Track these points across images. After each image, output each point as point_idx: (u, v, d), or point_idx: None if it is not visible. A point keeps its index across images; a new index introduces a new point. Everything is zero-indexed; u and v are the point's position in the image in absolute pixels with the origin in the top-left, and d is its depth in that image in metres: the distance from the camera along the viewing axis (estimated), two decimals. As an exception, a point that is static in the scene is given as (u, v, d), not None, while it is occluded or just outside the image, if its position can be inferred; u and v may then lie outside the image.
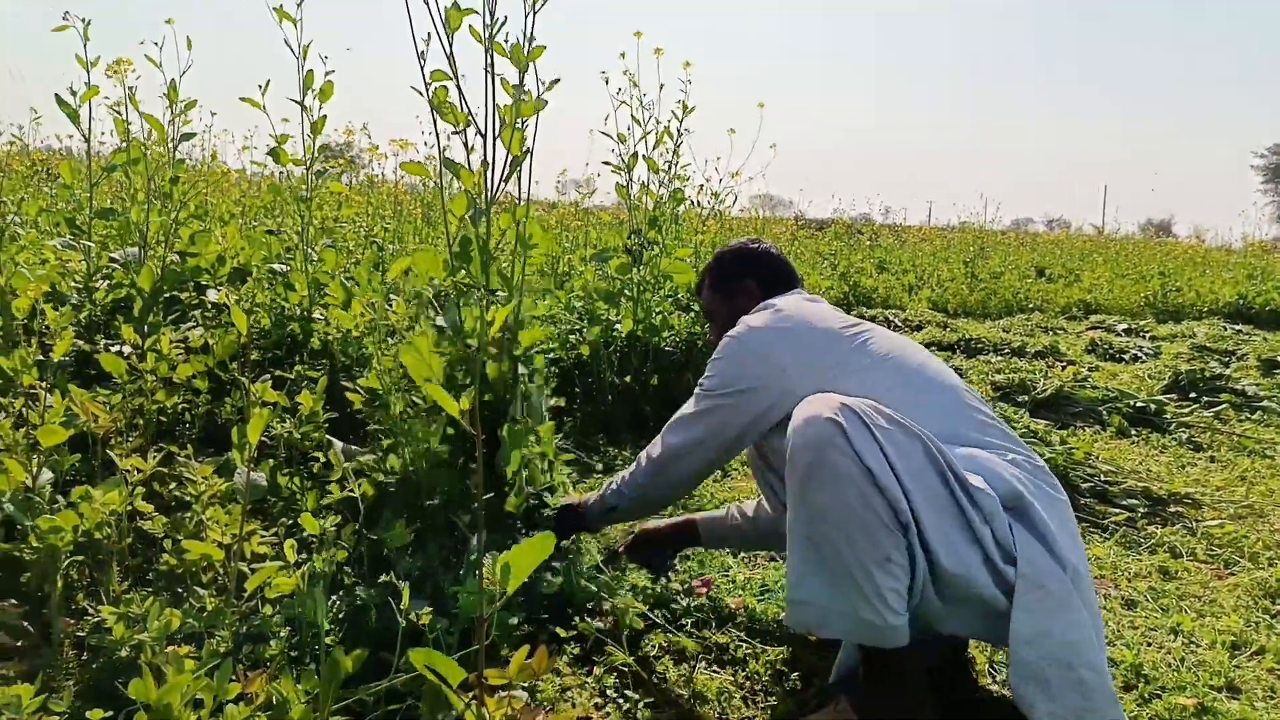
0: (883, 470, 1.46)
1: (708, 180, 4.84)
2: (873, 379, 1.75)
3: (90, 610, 1.83)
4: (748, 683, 1.83)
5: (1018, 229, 26.28)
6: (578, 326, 3.97)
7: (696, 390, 1.95)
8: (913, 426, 1.53)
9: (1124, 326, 8.02)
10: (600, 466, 3.24)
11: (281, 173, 4.61)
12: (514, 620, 1.72)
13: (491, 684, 0.98)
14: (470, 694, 0.99)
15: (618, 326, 3.81)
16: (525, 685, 1.02)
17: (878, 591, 1.46)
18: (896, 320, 7.61)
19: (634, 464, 2.04)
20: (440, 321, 2.02)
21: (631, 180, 3.69)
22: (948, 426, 1.66)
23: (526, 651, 0.98)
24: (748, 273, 2.17)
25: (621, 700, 1.71)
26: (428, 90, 1.77)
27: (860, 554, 1.46)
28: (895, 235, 15.47)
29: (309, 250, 2.73)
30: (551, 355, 3.81)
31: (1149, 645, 2.08)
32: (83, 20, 2.25)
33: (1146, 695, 1.85)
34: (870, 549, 1.45)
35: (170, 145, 2.54)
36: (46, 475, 1.81)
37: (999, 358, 5.83)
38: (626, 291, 3.85)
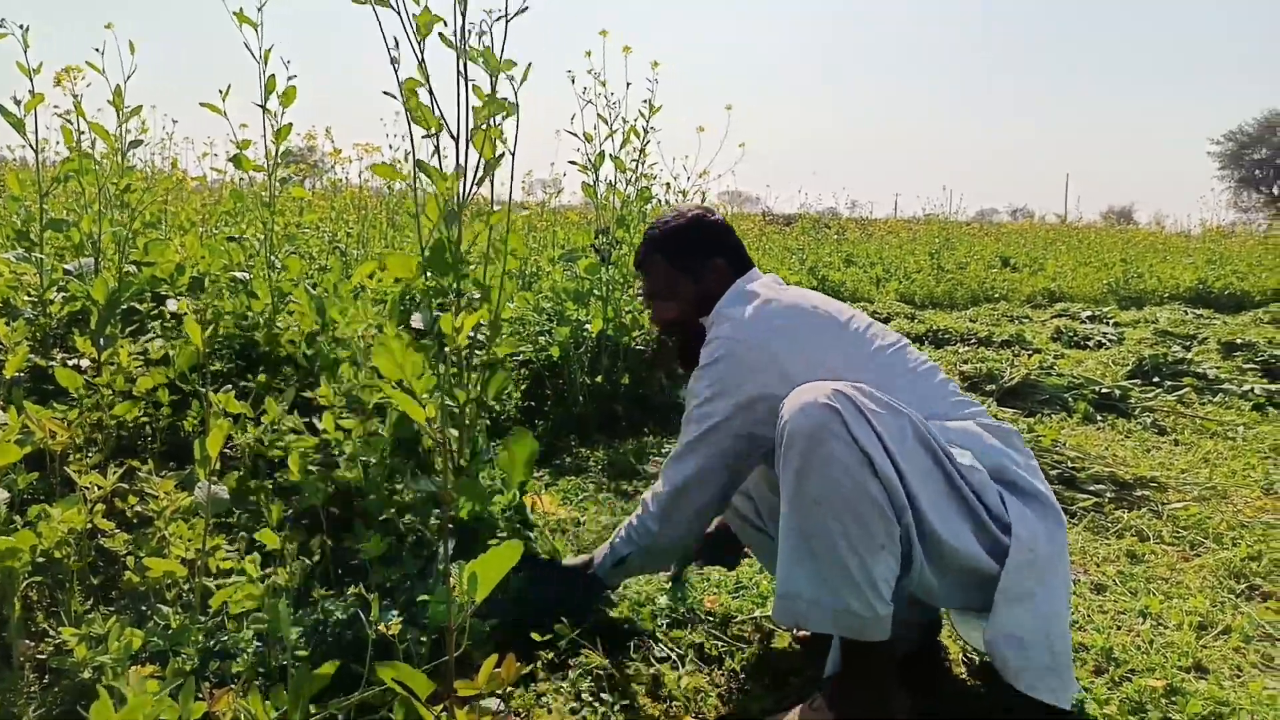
0: (880, 456, 1.47)
1: (675, 178, 4.84)
2: (879, 370, 1.70)
3: (51, 631, 1.79)
4: (724, 681, 1.83)
5: (982, 219, 26.58)
6: (547, 327, 3.95)
7: (690, 410, 1.78)
8: (900, 406, 1.55)
9: (1088, 313, 8.14)
10: (571, 466, 3.23)
11: (243, 179, 4.55)
12: (486, 628, 1.70)
13: (461, 695, 0.96)
14: (440, 706, 0.98)
15: (587, 327, 3.79)
16: (498, 694, 1.01)
17: (870, 581, 1.47)
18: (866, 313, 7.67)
19: (639, 508, 1.87)
20: (415, 322, 2.00)
21: (599, 179, 3.68)
22: (940, 407, 1.70)
23: (495, 660, 0.97)
24: (716, 251, 1.93)
25: (597, 704, 1.69)
26: (401, 94, 1.75)
27: (855, 542, 1.46)
28: (862, 229, 15.58)
29: (272, 257, 2.69)
30: (521, 357, 3.79)
31: (1118, 628, 2.10)
32: (21, 27, 2.19)
33: (1117, 678, 1.87)
34: (865, 537, 1.46)
35: (120, 153, 2.48)
36: (2, 495, 1.77)
37: (966, 348, 5.89)
38: (596, 291, 3.84)
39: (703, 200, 5.75)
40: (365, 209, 5.18)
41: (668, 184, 4.63)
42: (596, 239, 3.89)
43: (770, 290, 1.84)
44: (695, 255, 1.92)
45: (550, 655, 1.83)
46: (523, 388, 3.77)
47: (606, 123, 3.54)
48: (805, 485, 1.48)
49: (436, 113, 1.99)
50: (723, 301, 1.86)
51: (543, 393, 3.82)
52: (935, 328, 6.61)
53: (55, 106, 2.36)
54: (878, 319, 7.36)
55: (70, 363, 2.47)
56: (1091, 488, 3.01)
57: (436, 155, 2.06)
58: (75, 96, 2.30)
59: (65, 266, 2.71)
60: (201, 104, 2.25)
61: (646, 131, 3.67)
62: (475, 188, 2.13)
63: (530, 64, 1.78)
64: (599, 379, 3.77)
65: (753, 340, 1.72)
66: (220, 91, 2.25)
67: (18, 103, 2.22)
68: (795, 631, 1.98)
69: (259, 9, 2.26)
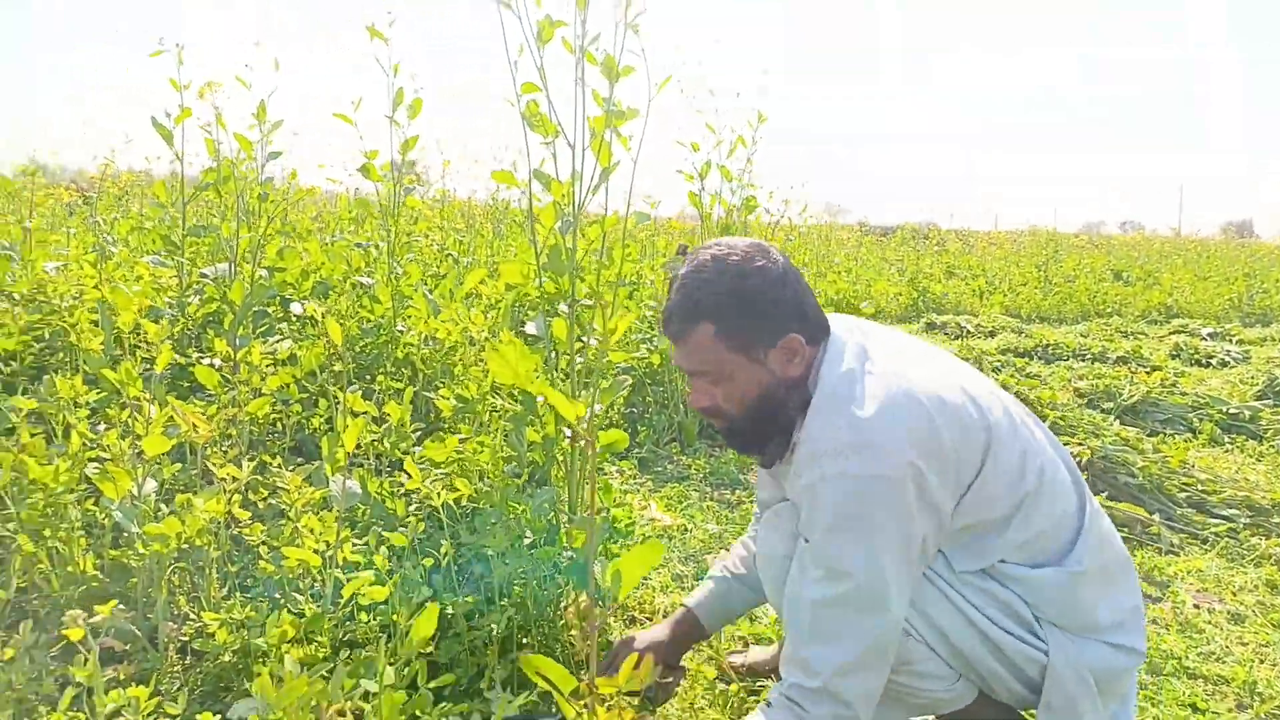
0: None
1: (777, 189, 4.82)
2: (1060, 508, 1.44)
3: (192, 615, 1.88)
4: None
5: (1090, 231, 25.55)
6: (649, 335, 3.97)
7: (818, 590, 1.30)
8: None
9: (1208, 330, 7.73)
10: (673, 474, 3.23)
11: (360, 189, 4.72)
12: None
13: (602, 692, 0.97)
14: (582, 702, 0.99)
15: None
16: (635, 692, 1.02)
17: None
18: (969, 326, 7.45)
19: None
20: (529, 328, 2.03)
21: (704, 189, 3.69)
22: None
23: (636, 659, 0.98)
24: (789, 320, 1.40)
25: (709, 711, 1.69)
26: (519, 103, 1.79)
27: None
28: (963, 240, 15.18)
29: (394, 264, 2.78)
30: (624, 365, 3.82)
31: (1261, 662, 1.98)
32: (177, 46, 2.34)
33: (1264, 715, 1.76)
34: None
35: (258, 164, 2.61)
36: (151, 484, 1.87)
37: (1080, 364, 5.67)
38: (698, 300, 3.84)
39: (804, 210, 5.68)
40: (472, 219, 5.31)
41: (771, 193, 4.61)
42: (680, 251, 3.88)
43: (889, 359, 1.41)
44: (763, 330, 1.39)
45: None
46: (624, 395, 3.80)
47: (714, 132, 3.55)
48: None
49: (553, 119, 2.02)
50: (818, 402, 1.37)
51: (644, 400, 3.84)
52: (1044, 343, 6.38)
53: (197, 118, 2.51)
54: (982, 333, 7.18)
55: (206, 361, 2.60)
56: (1225, 513, 2.85)
57: (554, 162, 2.10)
58: (217, 109, 2.43)
59: (202, 271, 2.86)
60: (335, 114, 2.34)
61: (754, 141, 3.67)
62: (591, 194, 2.16)
63: (670, 77, 1.79)
64: (701, 388, 3.77)
65: (897, 470, 1.28)
66: (352, 103, 2.35)
67: (168, 116, 2.36)
68: None
69: (389, 25, 2.35)
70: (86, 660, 1.18)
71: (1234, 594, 2.34)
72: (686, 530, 2.64)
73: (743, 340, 1.38)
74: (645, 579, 2.27)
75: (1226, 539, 2.70)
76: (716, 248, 1.42)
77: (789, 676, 1.33)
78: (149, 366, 2.22)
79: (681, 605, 1.71)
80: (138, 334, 2.50)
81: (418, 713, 1.36)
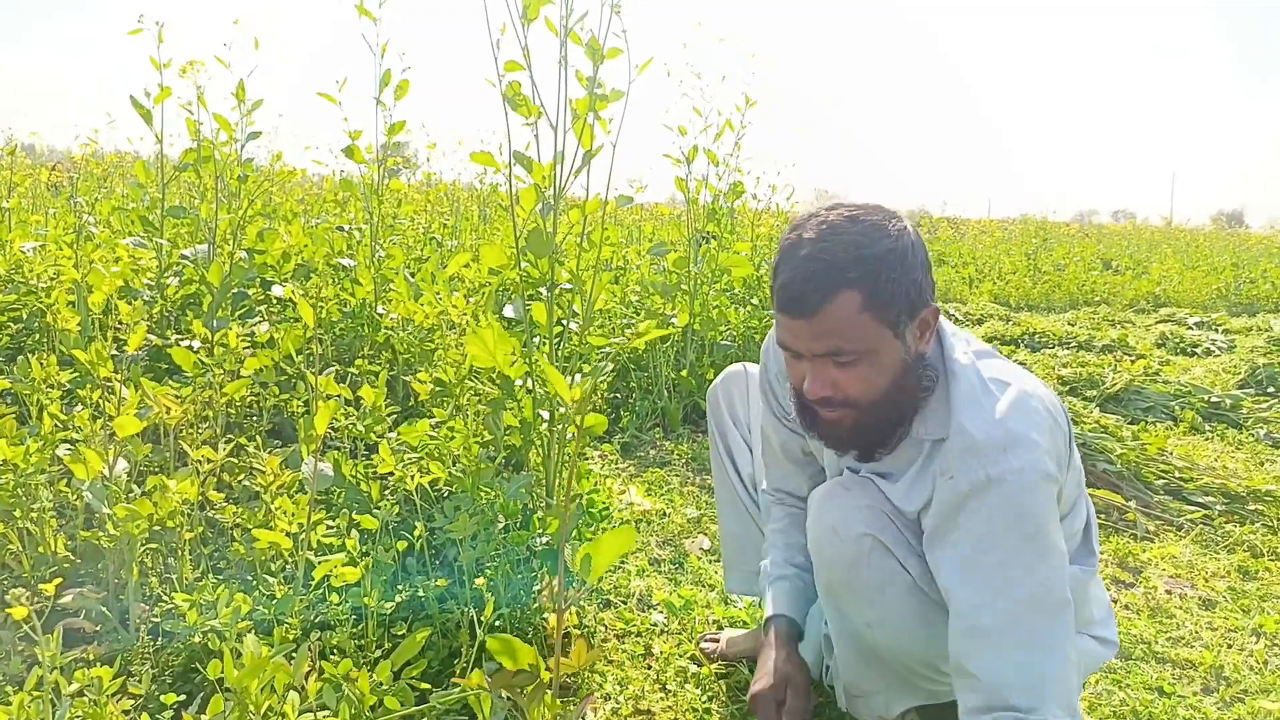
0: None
1: (764, 173, 4.80)
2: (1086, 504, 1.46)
3: (164, 597, 1.88)
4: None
5: (1081, 220, 25.63)
6: (633, 320, 3.97)
7: (1017, 603, 1.17)
8: None
9: (1195, 320, 7.76)
10: (655, 459, 3.23)
11: (345, 171, 4.69)
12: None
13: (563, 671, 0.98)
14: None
15: (674, 320, 3.79)
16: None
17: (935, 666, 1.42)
18: (958, 314, 7.47)
19: None
20: (508, 312, 2.02)
21: (690, 174, 3.68)
22: None
23: (586, 644, 0.98)
24: (927, 289, 1.27)
25: (682, 693, 1.70)
26: (500, 83, 1.78)
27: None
28: (954, 228, 15.19)
29: (376, 246, 2.77)
30: (607, 350, 3.82)
31: (1229, 647, 2.00)
32: (157, 24, 2.31)
33: (1228, 699, 1.78)
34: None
35: (238, 145, 2.59)
36: (122, 465, 1.86)
37: (1065, 352, 5.68)
38: (684, 285, 3.84)
39: (790, 197, 5.65)
40: (458, 202, 5.29)
41: (758, 178, 4.60)
42: (695, 234, 3.87)
43: (1015, 377, 1.31)
44: (905, 298, 1.23)
45: (639, 647, 1.84)
46: (608, 380, 3.80)
47: (701, 115, 3.53)
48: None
49: (536, 100, 2.01)
50: (962, 392, 1.27)
51: (628, 385, 3.84)
52: (1031, 331, 6.40)
53: (178, 98, 2.48)
54: (970, 320, 7.19)
55: (184, 343, 2.59)
56: (1200, 499, 2.88)
57: (535, 144, 2.09)
58: (199, 88, 2.40)
59: (182, 252, 2.84)
60: (319, 94, 2.32)
61: (742, 126, 3.65)
62: (572, 178, 2.15)
63: (651, 59, 1.78)
64: (684, 373, 3.77)
65: (1050, 473, 1.22)
66: (336, 82, 2.32)
67: (148, 95, 2.33)
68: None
69: (379, 4, 2.32)
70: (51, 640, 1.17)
71: (1206, 580, 2.36)
72: (665, 515, 2.65)
73: (891, 312, 1.22)
74: (621, 563, 2.28)
75: (1201, 525, 2.72)
76: (842, 209, 1.25)
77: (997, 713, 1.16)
78: (123, 347, 2.21)
79: (779, 616, 1.51)
80: (114, 315, 2.49)
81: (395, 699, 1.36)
